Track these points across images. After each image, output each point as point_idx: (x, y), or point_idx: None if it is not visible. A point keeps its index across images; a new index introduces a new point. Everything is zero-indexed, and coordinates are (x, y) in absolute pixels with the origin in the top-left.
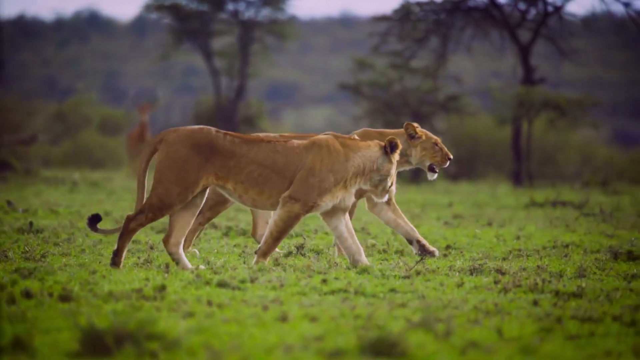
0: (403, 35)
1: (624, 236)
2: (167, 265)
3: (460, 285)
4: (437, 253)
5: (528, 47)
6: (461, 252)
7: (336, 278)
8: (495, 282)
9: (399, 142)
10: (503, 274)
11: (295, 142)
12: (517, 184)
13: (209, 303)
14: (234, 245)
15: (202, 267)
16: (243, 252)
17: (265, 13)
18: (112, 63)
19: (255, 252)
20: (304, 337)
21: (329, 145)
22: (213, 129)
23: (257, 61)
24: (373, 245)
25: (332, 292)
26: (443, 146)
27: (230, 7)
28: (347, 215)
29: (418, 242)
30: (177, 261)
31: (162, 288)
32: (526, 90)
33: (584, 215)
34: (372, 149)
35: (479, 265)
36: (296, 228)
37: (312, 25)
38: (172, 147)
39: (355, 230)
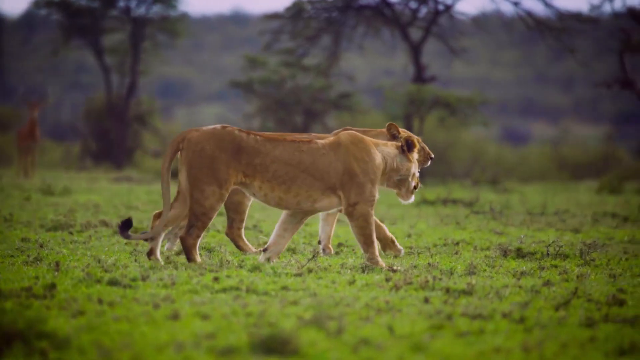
0: (295, 33)
1: (513, 234)
2: (57, 264)
3: (351, 282)
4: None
5: (419, 45)
6: (353, 249)
7: (228, 276)
8: (387, 280)
9: (416, 140)
10: (394, 271)
11: (319, 142)
12: None
13: (100, 301)
14: (125, 244)
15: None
16: (134, 250)
17: (156, 10)
18: (1, 59)
19: (367, 261)
20: (196, 335)
21: (354, 141)
22: (235, 127)
23: (149, 58)
24: (265, 243)
25: (224, 290)
26: (424, 145)
27: (121, 3)
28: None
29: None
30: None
31: (52, 286)
32: (417, 89)
33: (474, 213)
34: (389, 147)
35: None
36: None
37: (204, 22)
38: (197, 146)
39: (247, 228)
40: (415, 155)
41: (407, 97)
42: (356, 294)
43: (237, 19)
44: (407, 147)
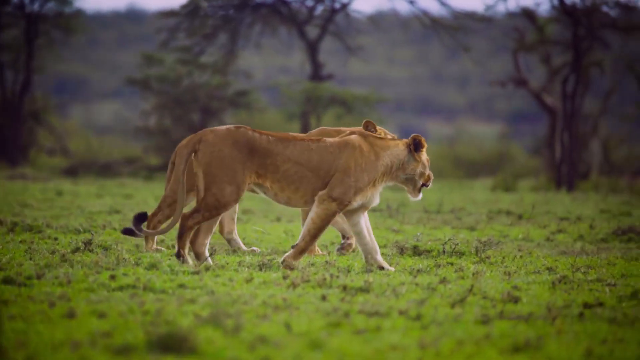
0: (192, 31)
1: (409, 231)
2: None
3: (249, 280)
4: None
5: (316, 43)
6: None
7: (125, 274)
8: (284, 278)
9: (423, 140)
10: (292, 269)
11: (329, 140)
12: None
13: None
14: (20, 241)
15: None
16: (29, 248)
17: (51, 6)
18: None
19: (292, 247)
20: (92, 333)
21: (361, 145)
22: (249, 127)
23: (43, 55)
24: (162, 241)
25: (121, 288)
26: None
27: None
28: (366, 213)
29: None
30: (203, 260)
31: None
32: (314, 86)
33: (371, 211)
34: (399, 148)
35: (268, 260)
36: (84, 223)
37: (99, 19)
38: (215, 147)
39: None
40: (423, 156)
41: (304, 94)
42: (253, 292)
43: (133, 16)
44: (414, 146)
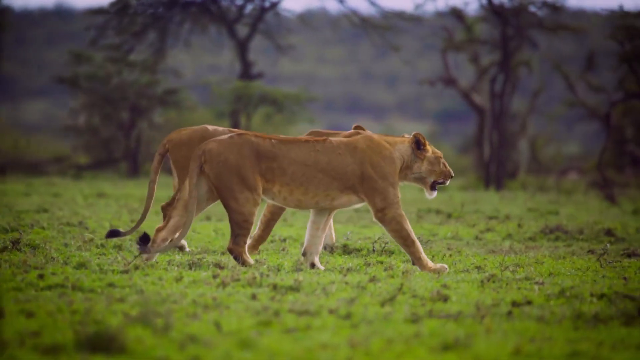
0: (121, 29)
1: (340, 230)
2: None
3: (179, 279)
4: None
5: (246, 42)
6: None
7: (53, 273)
8: (214, 277)
9: (422, 137)
10: (222, 268)
11: (334, 140)
12: None
13: None
14: None
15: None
16: None
17: None
18: None
19: (414, 264)
20: (20, 333)
21: (371, 146)
22: (250, 133)
23: None
24: (91, 240)
25: (49, 288)
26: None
27: None
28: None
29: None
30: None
31: None
32: (244, 85)
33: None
34: (404, 145)
35: (198, 259)
36: (12, 222)
37: (27, 16)
38: (221, 157)
39: (73, 225)
40: (427, 153)
41: (234, 93)
42: (183, 291)
43: (61, 14)
44: (415, 145)
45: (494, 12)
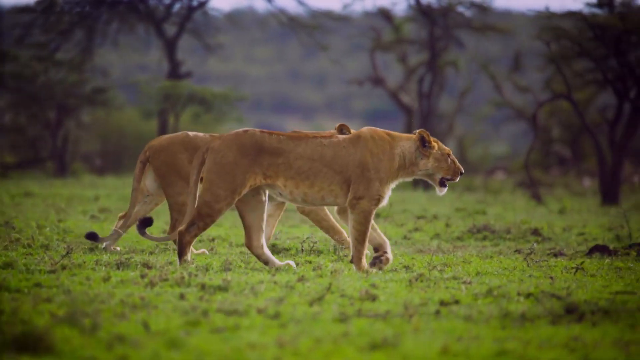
0: (47, 27)
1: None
2: None
3: (106, 279)
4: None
5: (174, 41)
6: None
7: None
8: (142, 276)
9: (427, 135)
10: (150, 268)
11: (340, 136)
12: None
13: None
14: None
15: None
16: None
17: None
18: None
19: (351, 262)
20: None
21: (373, 135)
22: (257, 130)
23: None
24: (17, 240)
25: None
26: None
27: None
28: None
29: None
30: (265, 262)
31: None
32: (172, 84)
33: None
34: (410, 142)
35: (126, 259)
36: None
37: None
38: (219, 153)
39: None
40: (433, 150)
41: (162, 92)
42: (111, 291)
43: None
44: (420, 142)
45: (421, 13)
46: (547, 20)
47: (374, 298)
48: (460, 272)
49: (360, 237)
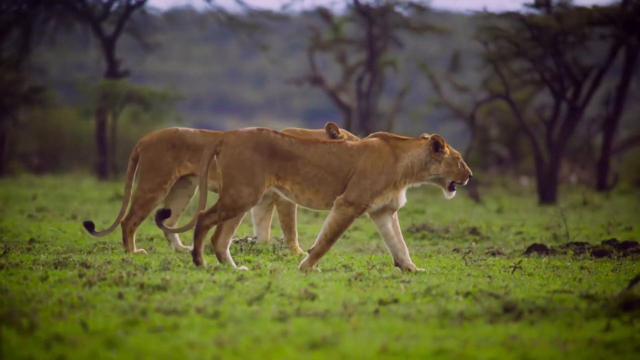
0: None
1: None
2: None
3: (44, 279)
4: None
5: (112, 40)
6: (46, 245)
7: None
8: (80, 276)
9: (441, 140)
10: (88, 267)
11: (349, 143)
12: (102, 177)
13: None
14: None
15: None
16: None
17: None
18: None
19: (308, 252)
20: None
21: (379, 147)
22: (271, 130)
23: None
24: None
25: None
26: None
27: None
28: (395, 214)
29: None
30: (224, 260)
31: None
32: (110, 83)
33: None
34: (421, 148)
35: (64, 258)
36: None
37: None
38: (236, 150)
39: None
40: (445, 155)
41: (100, 91)
42: (49, 290)
43: None
44: (433, 147)
45: (360, 12)
46: (485, 21)
47: (313, 297)
48: (399, 272)
49: (332, 235)
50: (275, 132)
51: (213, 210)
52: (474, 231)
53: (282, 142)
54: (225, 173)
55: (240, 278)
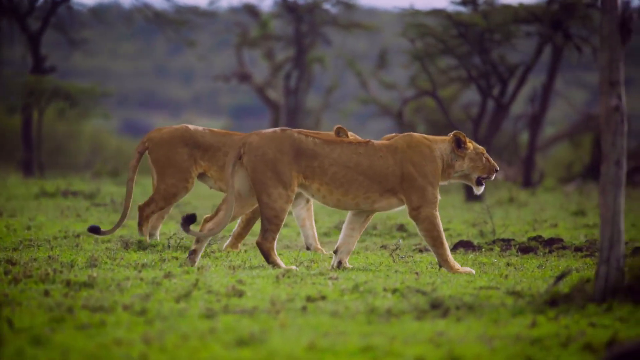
0: None
1: (134, 226)
2: None
3: None
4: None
5: (38, 36)
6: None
7: None
8: (6, 273)
9: (462, 136)
10: (14, 264)
11: (376, 143)
12: (28, 174)
13: None
14: None
15: (294, 267)
16: None
17: None
18: None
19: (440, 267)
20: None
21: (411, 145)
22: (294, 130)
23: None
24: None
25: None
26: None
27: None
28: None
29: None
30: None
31: None
32: (36, 79)
33: (94, 206)
34: (445, 144)
35: None
36: None
37: None
38: (259, 151)
39: None
40: (468, 151)
41: (26, 87)
42: None
43: None
44: (456, 144)
45: (288, 9)
46: (412, 18)
47: (240, 294)
48: (327, 268)
49: (436, 242)
50: (299, 132)
51: (265, 230)
52: (401, 228)
53: (306, 142)
54: (254, 177)
55: (168, 275)
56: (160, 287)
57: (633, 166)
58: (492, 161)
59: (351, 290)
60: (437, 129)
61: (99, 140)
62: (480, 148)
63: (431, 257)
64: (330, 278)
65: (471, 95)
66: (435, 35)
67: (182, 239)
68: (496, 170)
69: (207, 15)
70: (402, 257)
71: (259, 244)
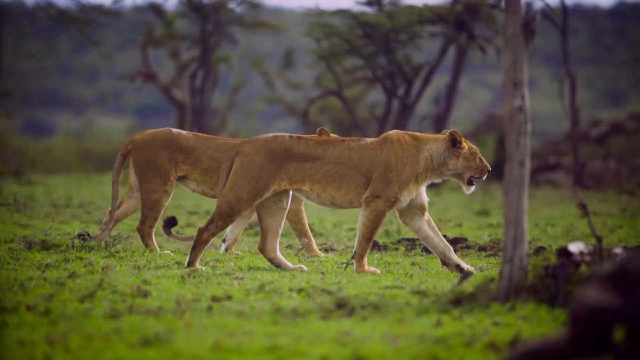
0: None
1: (38, 225)
2: None
3: None
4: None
5: None
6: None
7: None
8: None
9: (458, 135)
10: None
11: (368, 139)
12: None
13: None
14: None
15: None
16: None
17: None
18: None
19: (352, 258)
20: None
21: (400, 139)
22: (287, 135)
23: None
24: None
25: None
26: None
27: None
28: (427, 214)
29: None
30: (278, 265)
31: None
32: None
33: None
34: (438, 143)
35: None
36: None
37: None
38: (247, 157)
39: None
40: (462, 150)
41: None
42: None
43: None
44: (451, 143)
45: (193, 8)
46: (317, 18)
47: (145, 294)
48: (233, 268)
49: (368, 234)
50: (291, 136)
51: (210, 222)
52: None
53: (298, 146)
54: (231, 179)
55: (72, 275)
56: (64, 287)
57: (536, 166)
58: (485, 162)
59: (257, 290)
60: (343, 129)
61: (0, 140)
62: (474, 148)
63: (336, 256)
64: (236, 278)
65: (376, 95)
66: (340, 35)
67: (86, 239)
68: (488, 171)
69: (112, 14)
70: (307, 257)
71: (200, 230)
